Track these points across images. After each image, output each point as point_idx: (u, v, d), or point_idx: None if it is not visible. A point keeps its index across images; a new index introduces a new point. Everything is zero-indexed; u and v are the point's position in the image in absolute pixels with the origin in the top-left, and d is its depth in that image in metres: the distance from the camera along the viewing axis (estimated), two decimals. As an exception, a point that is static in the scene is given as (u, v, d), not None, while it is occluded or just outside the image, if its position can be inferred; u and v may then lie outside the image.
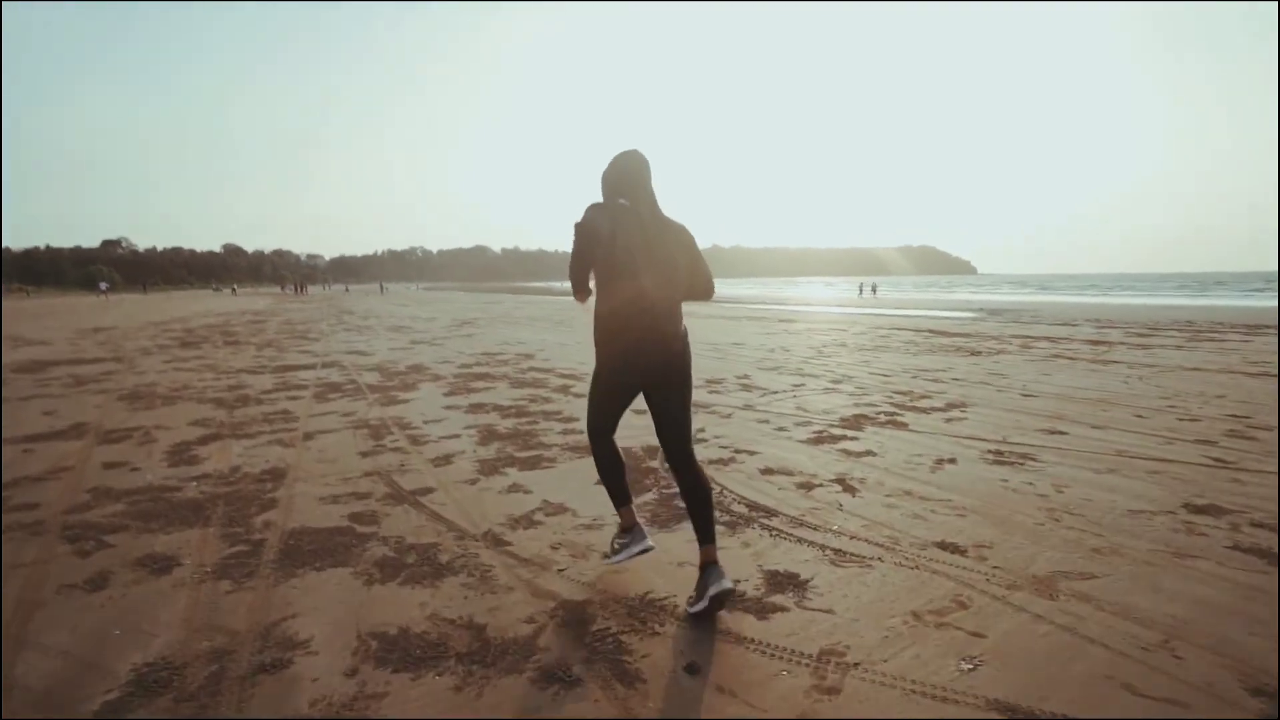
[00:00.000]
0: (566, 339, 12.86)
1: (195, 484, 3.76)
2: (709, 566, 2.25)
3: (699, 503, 2.35)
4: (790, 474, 3.83)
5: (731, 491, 3.52)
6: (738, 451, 4.32)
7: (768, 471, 3.89)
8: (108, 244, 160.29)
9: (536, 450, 4.46)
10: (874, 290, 50.26)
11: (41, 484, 3.79)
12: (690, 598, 2.30)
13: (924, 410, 5.58)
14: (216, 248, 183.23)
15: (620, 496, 2.55)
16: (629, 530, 2.54)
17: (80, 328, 17.84)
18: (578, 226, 2.22)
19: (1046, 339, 12.20)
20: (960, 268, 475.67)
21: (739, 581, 2.46)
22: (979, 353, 9.99)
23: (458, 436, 4.91)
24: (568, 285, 2.47)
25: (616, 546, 2.56)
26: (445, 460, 4.25)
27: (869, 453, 4.26)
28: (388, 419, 5.52)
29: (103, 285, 55.01)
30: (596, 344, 2.38)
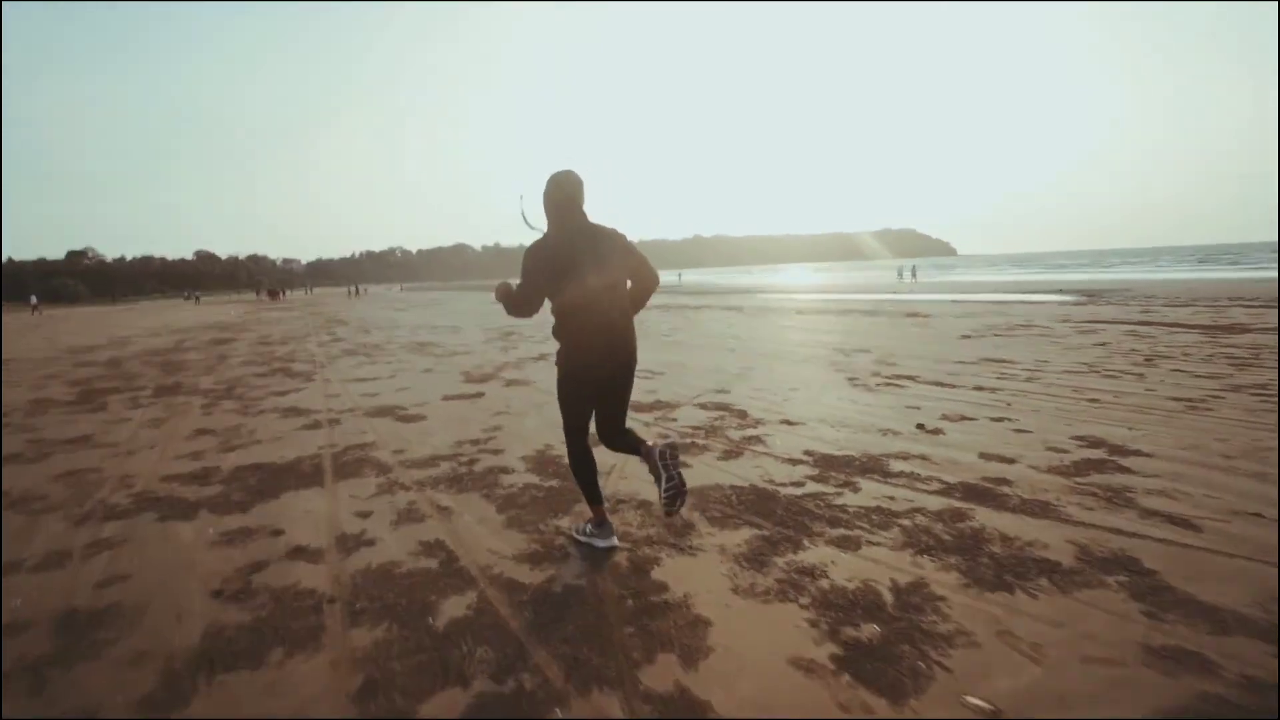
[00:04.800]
0: (677, 350, 7.97)
1: None
2: (648, 451, 2.53)
3: (632, 444, 2.63)
4: None
5: None
6: None
7: None
8: (73, 255, 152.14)
9: None
10: (914, 274, 45.90)
11: None
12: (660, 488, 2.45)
13: None
14: (189, 255, 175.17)
15: (595, 495, 2.63)
16: (601, 524, 2.64)
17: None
18: (511, 290, 2.54)
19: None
20: (940, 249, 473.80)
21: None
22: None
23: None
24: None
25: (588, 530, 2.67)
26: None
27: None
28: None
29: (33, 299, 51.02)
30: (562, 355, 2.53)
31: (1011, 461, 3.68)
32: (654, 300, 24.25)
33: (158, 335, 17.56)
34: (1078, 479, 3.37)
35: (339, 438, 4.80)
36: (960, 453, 3.88)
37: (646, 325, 13.46)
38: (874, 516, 2.95)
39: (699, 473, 3.63)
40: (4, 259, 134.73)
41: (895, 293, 26.69)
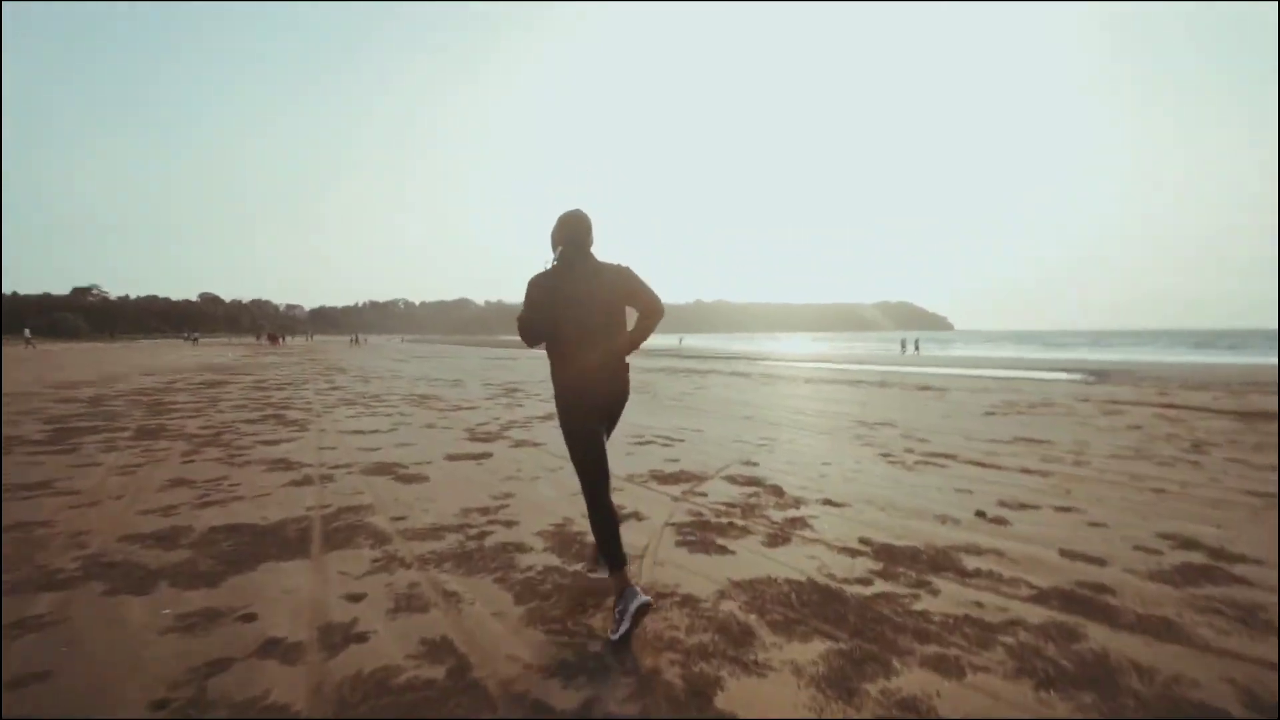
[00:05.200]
0: (691, 416, 7.51)
1: None
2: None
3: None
4: None
5: None
6: None
7: None
8: (78, 291, 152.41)
9: None
10: (916, 346, 45.87)
11: None
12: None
13: None
14: (194, 297, 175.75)
15: (617, 556, 2.41)
16: (622, 593, 2.34)
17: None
18: (518, 321, 2.52)
19: None
20: (937, 323, 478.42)
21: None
22: None
23: None
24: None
25: (617, 617, 2.32)
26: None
27: None
28: None
29: (26, 332, 53.58)
30: (559, 396, 2.52)
31: (1102, 563, 3.20)
32: (659, 363, 23.42)
33: (150, 375, 17.08)
34: (1190, 589, 2.89)
35: (331, 497, 4.29)
36: (1037, 549, 3.40)
37: (655, 388, 13.06)
38: (967, 629, 2.46)
39: (745, 561, 3.13)
40: (6, 292, 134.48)
41: (902, 364, 26.48)
